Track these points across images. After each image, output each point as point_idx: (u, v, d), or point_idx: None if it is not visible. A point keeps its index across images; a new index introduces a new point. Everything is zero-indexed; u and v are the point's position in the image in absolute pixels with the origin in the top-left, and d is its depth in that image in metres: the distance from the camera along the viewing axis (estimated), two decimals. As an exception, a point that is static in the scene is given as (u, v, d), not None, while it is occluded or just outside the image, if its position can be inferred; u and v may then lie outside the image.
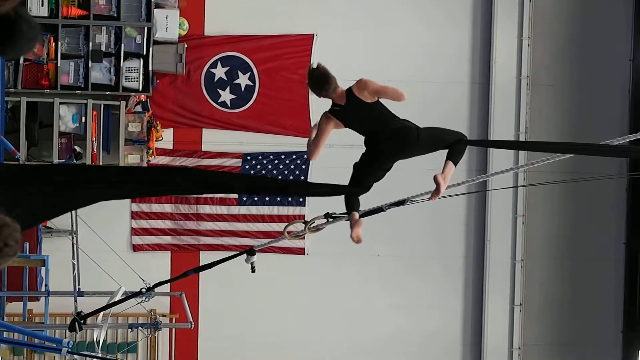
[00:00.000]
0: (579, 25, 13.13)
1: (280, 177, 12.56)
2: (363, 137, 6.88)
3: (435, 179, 6.75)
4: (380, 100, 6.81)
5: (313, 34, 12.70)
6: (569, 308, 13.26)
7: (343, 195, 6.94)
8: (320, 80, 6.76)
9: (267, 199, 12.62)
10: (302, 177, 12.58)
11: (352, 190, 6.79)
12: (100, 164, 11.81)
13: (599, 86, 13.11)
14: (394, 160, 6.81)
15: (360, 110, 6.72)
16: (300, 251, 12.84)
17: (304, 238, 12.21)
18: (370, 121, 6.75)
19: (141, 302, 8.58)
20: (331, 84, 6.75)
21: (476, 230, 13.13)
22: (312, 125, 7.55)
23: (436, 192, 6.77)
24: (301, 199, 12.59)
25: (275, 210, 12.64)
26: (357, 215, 6.81)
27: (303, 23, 12.74)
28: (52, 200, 5.87)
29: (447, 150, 6.87)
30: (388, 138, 6.68)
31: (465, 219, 13.15)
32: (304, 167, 12.57)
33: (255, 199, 12.60)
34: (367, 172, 6.77)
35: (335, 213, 6.94)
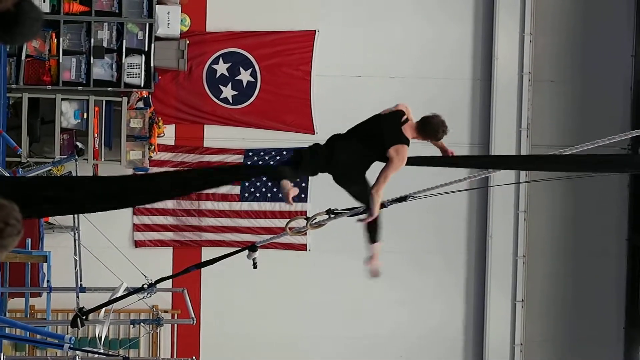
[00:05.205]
0: (581, 21, 13.12)
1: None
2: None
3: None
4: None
5: (315, 30, 12.69)
6: (571, 304, 13.25)
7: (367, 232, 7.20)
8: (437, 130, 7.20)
9: (269, 195, 12.61)
10: (304, 174, 12.58)
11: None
12: (102, 160, 11.82)
13: (601, 82, 13.09)
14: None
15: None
16: (302, 247, 12.84)
17: (305, 234, 12.20)
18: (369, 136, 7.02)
19: (143, 298, 8.56)
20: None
21: (478, 226, 13.12)
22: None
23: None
24: (303, 195, 12.58)
25: (277, 206, 12.63)
26: (378, 246, 7.05)
27: (305, 19, 12.74)
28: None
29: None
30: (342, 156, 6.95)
31: (467, 215, 13.14)
32: (305, 163, 12.54)
33: (257, 195, 12.61)
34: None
35: (337, 209, 6.93)
